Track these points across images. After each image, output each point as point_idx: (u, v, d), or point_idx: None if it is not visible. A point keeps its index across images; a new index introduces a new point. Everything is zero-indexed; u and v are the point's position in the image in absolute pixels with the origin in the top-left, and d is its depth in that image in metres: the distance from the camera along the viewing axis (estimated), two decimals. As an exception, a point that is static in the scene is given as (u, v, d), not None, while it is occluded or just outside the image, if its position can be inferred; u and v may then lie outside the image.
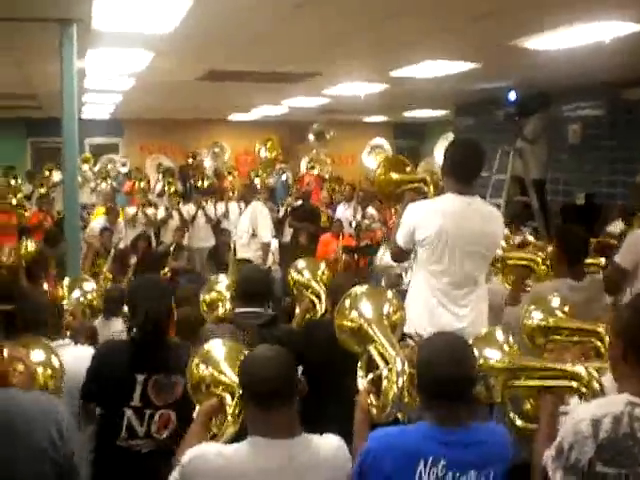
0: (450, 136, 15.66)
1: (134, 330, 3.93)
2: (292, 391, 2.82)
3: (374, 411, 3.34)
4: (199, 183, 14.77)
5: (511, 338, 3.71)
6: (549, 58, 8.72)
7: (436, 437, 2.84)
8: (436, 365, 2.87)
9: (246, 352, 3.39)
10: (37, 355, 3.59)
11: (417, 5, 6.37)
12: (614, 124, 11.29)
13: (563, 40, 7.74)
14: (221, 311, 5.29)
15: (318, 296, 5.25)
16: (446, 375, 2.84)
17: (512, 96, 12.09)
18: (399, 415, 3.38)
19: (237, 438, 2.99)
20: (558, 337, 4.14)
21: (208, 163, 16.85)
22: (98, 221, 11.95)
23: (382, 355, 3.49)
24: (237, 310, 4.64)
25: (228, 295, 5.32)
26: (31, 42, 7.92)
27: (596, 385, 3.27)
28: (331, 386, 4.29)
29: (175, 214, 12.59)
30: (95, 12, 6.41)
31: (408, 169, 5.17)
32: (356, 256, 11.15)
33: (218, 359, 3.42)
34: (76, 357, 4.13)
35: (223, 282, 5.57)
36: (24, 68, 10.01)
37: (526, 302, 4.92)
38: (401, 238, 4.58)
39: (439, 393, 2.87)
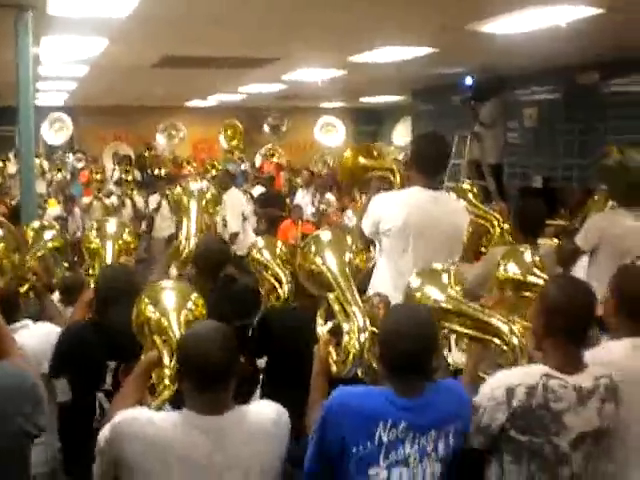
0: (408, 121, 15.75)
1: (99, 317, 3.91)
2: (230, 372, 2.77)
3: (333, 366, 3.33)
4: (156, 171, 14.68)
5: (457, 282, 3.68)
6: (505, 42, 8.77)
7: (397, 402, 2.83)
8: (399, 341, 2.85)
9: (194, 296, 3.39)
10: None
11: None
12: (569, 108, 11.40)
13: (519, 24, 7.79)
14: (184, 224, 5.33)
15: (278, 279, 5.23)
16: (409, 351, 2.83)
17: (468, 81, 12.18)
18: (358, 371, 3.38)
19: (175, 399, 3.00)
20: (528, 293, 4.15)
21: (162, 141, 16.70)
22: (54, 210, 11.82)
23: (343, 307, 3.46)
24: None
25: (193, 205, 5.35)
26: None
27: (516, 342, 3.30)
28: (291, 375, 4.29)
29: (128, 202, 12.48)
30: (50, -3, 6.33)
31: (376, 154, 5.18)
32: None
33: (166, 303, 3.33)
34: (38, 336, 4.07)
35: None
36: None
37: (484, 264, 5.00)
38: (366, 227, 4.58)
39: (401, 368, 2.87)
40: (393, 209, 4.45)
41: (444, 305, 3.52)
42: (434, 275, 3.70)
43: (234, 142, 15.32)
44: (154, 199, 12.52)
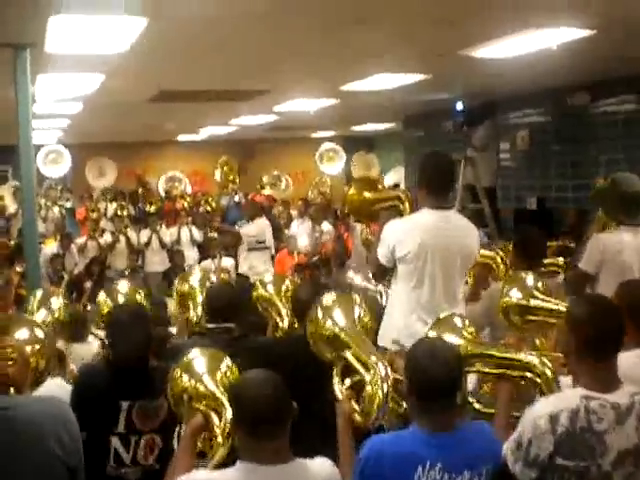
0: (401, 170, 15.84)
1: (115, 357, 3.92)
2: (285, 417, 2.76)
3: (357, 418, 3.36)
4: (147, 207, 14.74)
5: (468, 324, 3.77)
6: (496, 66, 8.85)
7: (431, 441, 2.87)
8: (430, 367, 2.90)
9: (227, 360, 3.41)
10: (21, 334, 3.44)
11: (366, 17, 6.42)
12: (561, 129, 11.50)
13: (510, 48, 7.86)
14: (192, 314, 5.28)
15: (280, 314, 5.26)
16: (440, 376, 2.88)
17: (459, 106, 12.28)
18: (382, 421, 3.41)
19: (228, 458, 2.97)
20: (534, 317, 4.18)
21: (161, 189, 16.80)
22: (50, 247, 11.84)
23: (361, 361, 3.51)
24: (208, 325, 4.66)
25: (199, 297, 5.31)
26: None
27: (549, 374, 3.35)
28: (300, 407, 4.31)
29: (122, 238, 12.51)
30: (49, 35, 6.35)
31: (380, 187, 5.24)
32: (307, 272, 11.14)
33: (200, 370, 3.38)
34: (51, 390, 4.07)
35: (196, 275, 5.57)
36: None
37: (489, 299, 5.04)
38: (382, 256, 4.60)
39: (433, 395, 2.90)
40: (407, 234, 4.51)
41: (468, 349, 3.55)
42: (447, 322, 3.77)
43: (230, 177, 15.39)
44: (145, 234, 12.58)
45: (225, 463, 3.00)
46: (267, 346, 4.77)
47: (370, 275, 6.83)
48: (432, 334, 3.66)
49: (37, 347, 3.46)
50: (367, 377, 3.41)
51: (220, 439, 3.12)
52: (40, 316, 5.52)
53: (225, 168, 15.10)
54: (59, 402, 2.91)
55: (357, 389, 3.48)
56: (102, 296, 5.61)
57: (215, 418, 3.18)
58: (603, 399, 2.84)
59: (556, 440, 2.79)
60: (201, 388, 3.30)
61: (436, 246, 4.48)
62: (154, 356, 4.38)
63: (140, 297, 5.60)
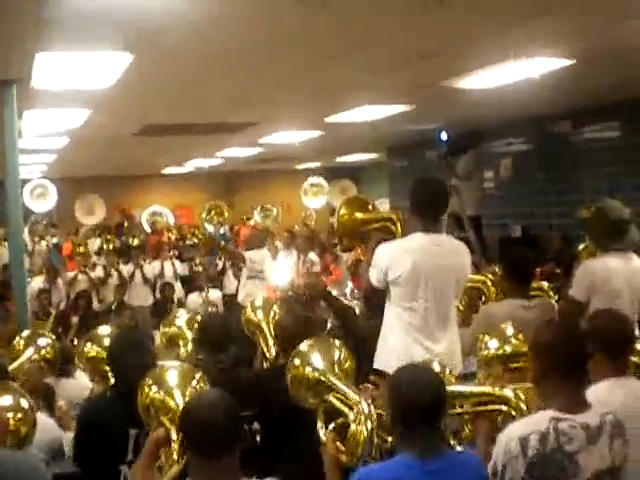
0: (385, 202, 15.90)
1: (118, 386, 3.93)
2: (234, 440, 2.74)
3: (343, 457, 3.36)
4: (130, 241, 14.70)
5: (447, 369, 3.81)
6: (480, 96, 8.95)
7: (418, 467, 2.86)
8: (413, 392, 2.91)
9: (198, 376, 3.40)
10: (5, 400, 3.51)
11: (350, 51, 6.49)
12: (544, 156, 11.61)
13: (493, 78, 7.96)
14: (182, 351, 5.26)
15: (267, 343, 5.26)
16: (424, 401, 2.89)
17: (443, 136, 12.36)
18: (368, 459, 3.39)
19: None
20: (516, 364, 4.22)
21: (144, 222, 16.77)
22: (36, 282, 11.74)
23: (344, 402, 3.52)
24: (198, 356, 4.67)
25: (189, 334, 5.30)
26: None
27: (523, 407, 3.39)
28: (284, 440, 4.30)
29: (114, 273, 12.46)
30: (35, 71, 6.40)
31: (370, 207, 5.26)
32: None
33: (170, 383, 3.34)
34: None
35: (182, 317, 5.55)
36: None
37: (478, 322, 5.15)
38: (374, 278, 4.61)
39: (417, 420, 2.89)
40: (400, 256, 4.51)
41: (448, 391, 3.58)
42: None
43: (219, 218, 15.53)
44: (128, 268, 12.53)
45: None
46: (255, 380, 4.78)
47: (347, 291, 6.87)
48: None
49: (19, 415, 3.52)
50: (350, 416, 3.42)
51: (175, 456, 3.09)
52: (27, 354, 5.53)
53: (213, 212, 15.24)
54: (37, 460, 2.92)
55: (342, 430, 3.47)
56: (87, 346, 5.47)
57: (174, 434, 3.14)
58: (572, 420, 2.88)
59: (528, 462, 2.82)
60: (169, 402, 3.26)
61: (429, 268, 4.49)
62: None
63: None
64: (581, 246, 7.55)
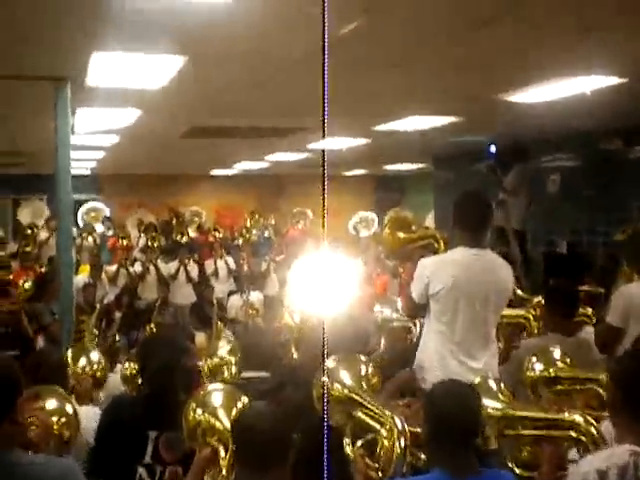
0: (431, 216, 15.87)
1: (143, 386, 3.97)
2: (285, 452, 2.78)
3: (373, 474, 3.36)
4: (178, 238, 14.83)
5: (503, 386, 3.76)
6: (529, 111, 8.91)
7: None
8: (449, 409, 2.91)
9: (244, 399, 3.41)
10: (50, 404, 3.58)
11: (400, 61, 6.52)
12: (593, 174, 11.50)
13: (544, 93, 7.94)
14: (226, 374, 5.30)
15: None
16: (460, 418, 2.89)
17: (492, 149, 12.32)
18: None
19: None
20: (560, 387, 4.18)
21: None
22: (81, 277, 11.89)
23: (374, 418, 3.51)
24: (243, 374, 4.68)
25: (232, 359, 5.33)
26: (20, 99, 7.99)
27: (594, 432, 3.31)
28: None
29: (152, 269, 12.57)
30: (90, 70, 6.51)
31: (414, 227, 5.26)
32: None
33: (215, 405, 3.37)
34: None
35: (224, 347, 5.60)
36: (10, 124, 10.06)
37: (518, 358, 4.98)
38: (415, 292, 4.60)
39: (453, 438, 2.90)
40: (441, 271, 4.50)
41: (507, 412, 3.53)
42: (481, 385, 3.72)
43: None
44: (173, 266, 12.63)
45: None
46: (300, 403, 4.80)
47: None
48: None
49: (63, 420, 3.56)
50: (383, 432, 3.41)
51: (224, 472, 3.12)
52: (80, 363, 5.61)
53: (255, 217, 15.38)
54: (73, 465, 2.96)
55: (370, 447, 3.47)
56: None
57: (222, 452, 3.19)
58: None
59: None
60: (215, 423, 3.30)
61: (470, 283, 4.47)
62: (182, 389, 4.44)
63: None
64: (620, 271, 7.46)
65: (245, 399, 3.44)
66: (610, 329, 5.51)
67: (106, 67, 6.42)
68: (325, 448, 2.79)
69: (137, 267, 12.80)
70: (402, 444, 3.30)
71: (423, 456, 3.45)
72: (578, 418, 3.40)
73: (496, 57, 6.47)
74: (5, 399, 2.67)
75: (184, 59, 6.15)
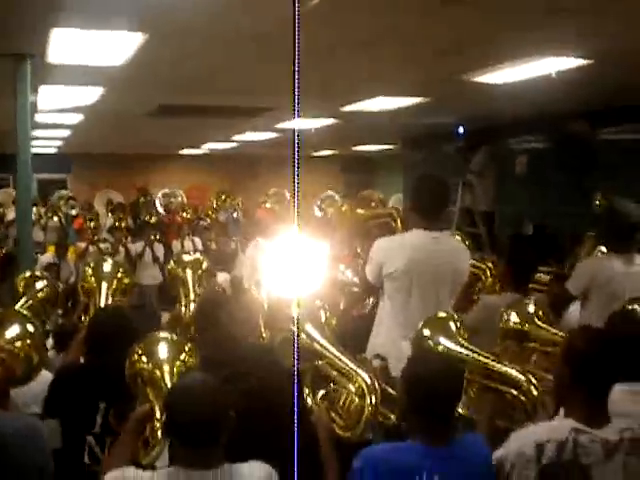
0: (399, 197, 15.88)
1: (92, 358, 3.93)
2: (218, 426, 2.71)
3: (339, 430, 3.30)
4: (147, 218, 14.72)
5: (463, 329, 3.74)
6: (497, 92, 8.90)
7: (428, 453, 2.83)
8: (429, 381, 2.87)
9: (187, 348, 3.35)
10: (12, 330, 3.49)
11: (368, 41, 6.47)
12: (560, 156, 11.53)
13: (510, 74, 7.93)
14: (183, 310, 5.32)
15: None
16: (440, 390, 2.86)
17: (461, 130, 12.34)
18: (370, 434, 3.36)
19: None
20: (532, 344, 4.16)
21: (158, 204, 16.81)
22: (46, 257, 11.78)
23: (340, 371, 3.45)
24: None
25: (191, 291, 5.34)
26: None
27: (535, 393, 3.31)
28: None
29: (121, 249, 12.46)
30: (51, 46, 6.41)
31: (373, 204, 5.23)
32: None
33: (160, 355, 3.30)
34: None
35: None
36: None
37: (478, 312, 5.11)
38: (370, 273, 4.57)
39: (433, 409, 2.87)
40: (395, 252, 4.46)
41: (457, 353, 3.51)
42: (442, 323, 3.73)
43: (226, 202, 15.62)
44: (139, 246, 12.52)
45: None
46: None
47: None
48: (425, 332, 3.65)
49: (29, 342, 3.49)
50: (351, 387, 3.35)
51: (158, 436, 3.07)
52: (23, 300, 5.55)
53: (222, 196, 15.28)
54: (36, 422, 2.91)
55: (331, 399, 3.41)
56: (87, 271, 5.41)
57: (159, 412, 3.11)
58: (593, 434, 2.79)
59: (540, 470, 2.75)
60: (156, 373, 3.23)
61: (424, 265, 4.44)
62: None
63: (121, 274, 5.39)
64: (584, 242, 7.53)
65: (189, 347, 3.37)
66: (565, 292, 5.58)
67: (66, 44, 6.33)
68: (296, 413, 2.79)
69: (106, 247, 12.67)
70: (373, 401, 3.27)
71: (393, 416, 3.41)
72: (522, 377, 3.39)
73: (463, 37, 6.43)
74: None
75: (144, 36, 6.07)
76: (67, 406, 3.78)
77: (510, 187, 12.61)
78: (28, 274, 5.98)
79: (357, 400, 3.30)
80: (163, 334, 3.55)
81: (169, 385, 3.15)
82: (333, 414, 3.38)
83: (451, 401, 2.93)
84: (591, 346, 2.92)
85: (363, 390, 3.31)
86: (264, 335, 5.22)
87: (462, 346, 3.60)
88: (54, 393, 3.90)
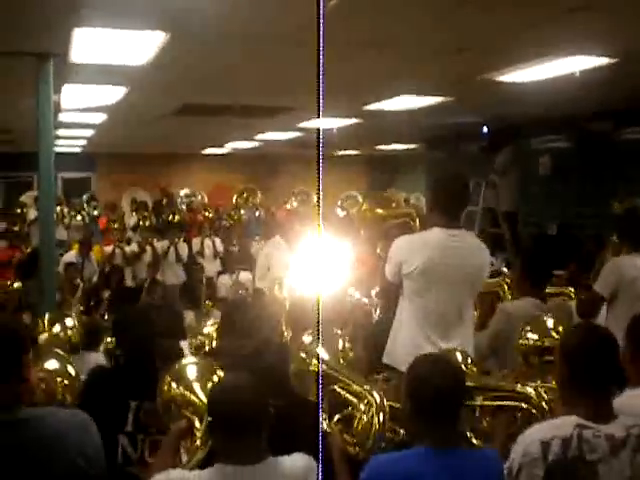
0: (418, 196, 15.85)
1: (121, 358, 3.96)
2: (259, 420, 2.77)
3: (351, 450, 3.33)
4: (170, 217, 14.78)
5: (469, 359, 3.77)
6: (519, 91, 8.86)
7: (433, 457, 2.82)
8: (431, 380, 2.87)
9: (219, 372, 3.39)
10: (52, 364, 3.54)
11: (389, 40, 6.46)
12: (583, 156, 11.45)
13: (533, 73, 7.89)
14: (207, 349, 5.30)
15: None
16: (442, 389, 2.85)
17: (485, 129, 12.30)
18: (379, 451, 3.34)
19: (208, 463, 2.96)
20: (552, 357, 4.15)
21: (180, 203, 16.90)
22: (69, 255, 11.82)
23: (352, 392, 3.48)
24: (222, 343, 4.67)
25: (215, 335, 5.34)
26: (5, 75, 7.92)
27: (545, 406, 3.32)
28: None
29: (148, 249, 12.51)
30: (74, 46, 6.45)
31: (393, 205, 5.22)
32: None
33: (190, 378, 3.35)
34: None
35: (209, 325, 5.61)
36: (-3, 102, 10.02)
37: (497, 320, 5.12)
38: (389, 272, 4.53)
39: (437, 412, 2.86)
40: (415, 251, 4.42)
41: (467, 383, 3.51)
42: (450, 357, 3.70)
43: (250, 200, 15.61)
44: (163, 245, 12.56)
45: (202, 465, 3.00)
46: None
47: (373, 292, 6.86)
48: None
49: (66, 382, 3.59)
50: (361, 406, 3.38)
51: (199, 443, 3.12)
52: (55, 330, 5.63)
53: (245, 194, 15.27)
54: (81, 413, 2.92)
55: (347, 422, 3.43)
56: None
57: (197, 423, 3.18)
58: (597, 429, 2.79)
59: (547, 468, 2.74)
60: (190, 397, 3.28)
61: (444, 264, 4.39)
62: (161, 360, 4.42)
63: None
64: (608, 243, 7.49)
65: (220, 372, 3.41)
66: (594, 295, 5.55)
67: (89, 43, 6.37)
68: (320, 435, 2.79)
69: (133, 247, 12.72)
70: (381, 419, 3.28)
71: (402, 431, 3.41)
72: (530, 390, 3.42)
73: (485, 36, 6.41)
74: (11, 355, 2.63)
75: (165, 35, 6.09)
76: (99, 406, 3.81)
77: (533, 187, 12.54)
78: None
79: (366, 418, 3.33)
80: (190, 359, 3.66)
81: (204, 400, 3.18)
82: (346, 436, 3.41)
83: (454, 401, 2.91)
84: (585, 342, 2.93)
85: (372, 407, 3.34)
86: (285, 334, 5.26)
87: (470, 375, 3.60)
88: (86, 393, 3.94)
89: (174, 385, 3.34)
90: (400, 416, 3.28)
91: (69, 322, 5.88)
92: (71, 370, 3.66)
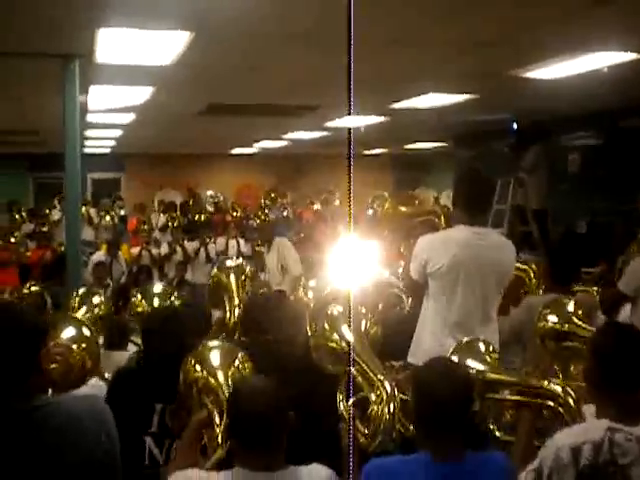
0: (449, 194, 15.77)
1: (148, 360, 3.95)
2: (278, 429, 2.73)
3: (362, 439, 3.25)
4: (196, 217, 14.82)
5: (492, 350, 3.67)
6: (547, 87, 8.78)
7: (434, 469, 2.78)
8: (436, 389, 2.81)
9: (240, 355, 3.36)
10: (68, 332, 3.50)
11: (416, 38, 6.42)
12: (612, 152, 11.32)
13: (561, 70, 7.82)
14: (227, 315, 5.34)
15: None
16: (446, 399, 2.79)
17: (514, 127, 12.20)
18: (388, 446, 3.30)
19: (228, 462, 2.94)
20: (570, 343, 4.08)
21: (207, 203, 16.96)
22: (98, 255, 11.88)
23: (367, 378, 3.40)
24: (242, 338, 4.64)
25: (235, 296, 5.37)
26: (33, 77, 7.98)
27: (572, 404, 3.23)
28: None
29: (178, 249, 12.56)
30: (99, 46, 6.47)
31: (417, 202, 5.18)
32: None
33: (213, 362, 3.31)
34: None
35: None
36: (25, 103, 10.07)
37: (520, 313, 5.06)
38: (414, 271, 4.47)
39: (438, 419, 2.80)
40: (440, 249, 4.37)
41: (489, 375, 3.44)
42: (470, 346, 3.65)
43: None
44: (194, 245, 12.59)
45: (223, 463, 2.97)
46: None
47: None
48: (454, 358, 3.54)
49: (84, 345, 3.51)
50: (372, 396, 3.30)
51: (219, 440, 3.07)
52: (80, 313, 5.61)
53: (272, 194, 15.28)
54: (99, 401, 2.90)
55: (364, 407, 3.34)
56: (137, 297, 5.66)
57: (217, 418, 3.13)
58: (628, 432, 2.71)
59: (578, 473, 2.67)
60: (210, 381, 3.24)
61: (470, 262, 4.34)
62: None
63: (173, 299, 5.64)
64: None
65: (241, 355, 3.38)
66: (617, 293, 5.49)
67: (114, 44, 6.39)
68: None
69: (164, 248, 12.78)
70: (391, 410, 3.21)
71: (412, 427, 3.31)
72: (557, 388, 3.31)
73: (512, 32, 6.36)
74: (29, 348, 2.60)
75: (190, 35, 6.09)
76: (124, 407, 3.80)
77: (562, 185, 12.42)
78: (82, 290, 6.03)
79: (376, 408, 3.25)
80: (215, 342, 3.58)
81: (226, 391, 3.15)
82: (359, 425, 3.31)
83: (457, 409, 2.82)
84: (619, 342, 2.85)
85: (383, 399, 3.26)
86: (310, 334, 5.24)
87: (493, 367, 3.52)
88: (111, 395, 3.93)
89: (197, 367, 3.30)
90: (409, 409, 3.22)
91: (96, 299, 5.83)
92: (86, 332, 3.60)
